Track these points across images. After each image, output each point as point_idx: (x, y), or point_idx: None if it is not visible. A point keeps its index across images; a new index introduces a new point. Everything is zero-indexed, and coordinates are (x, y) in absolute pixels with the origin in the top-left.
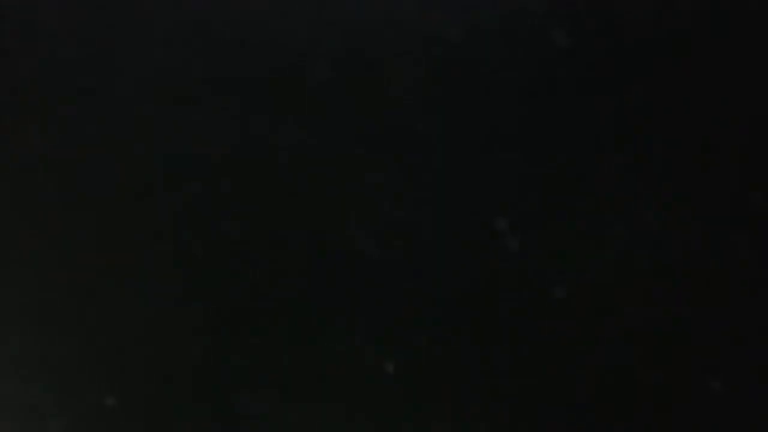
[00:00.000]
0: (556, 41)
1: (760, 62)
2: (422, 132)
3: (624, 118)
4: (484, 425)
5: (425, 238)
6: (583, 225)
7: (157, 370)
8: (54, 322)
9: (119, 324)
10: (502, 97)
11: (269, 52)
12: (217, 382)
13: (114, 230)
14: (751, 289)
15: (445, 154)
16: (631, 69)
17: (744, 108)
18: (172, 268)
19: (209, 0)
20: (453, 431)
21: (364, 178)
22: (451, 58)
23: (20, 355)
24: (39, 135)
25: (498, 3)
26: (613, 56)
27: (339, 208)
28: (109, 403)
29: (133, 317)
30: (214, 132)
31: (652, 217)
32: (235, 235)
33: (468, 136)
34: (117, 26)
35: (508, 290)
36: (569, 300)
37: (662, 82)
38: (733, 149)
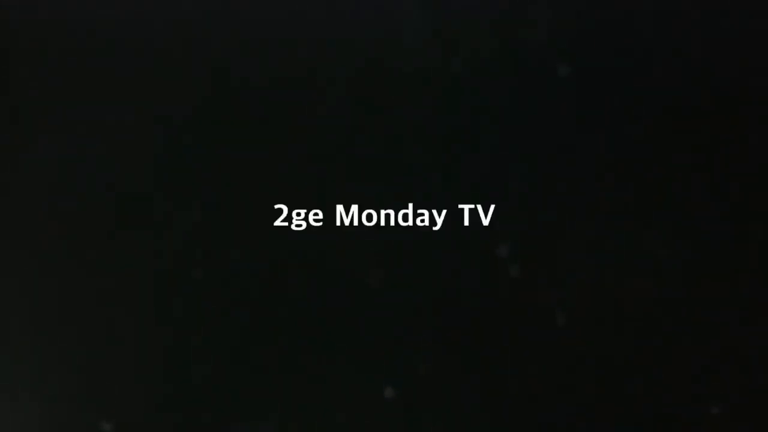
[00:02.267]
0: (558, 71)
1: (760, 83)
2: (425, 160)
3: (626, 148)
4: None
5: (426, 263)
6: (584, 251)
7: (153, 396)
8: (50, 346)
9: (116, 349)
10: (504, 126)
11: (272, 86)
12: (215, 408)
13: (113, 254)
14: (752, 316)
15: (447, 182)
16: (632, 98)
17: (742, 128)
18: (172, 294)
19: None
20: None
21: (366, 204)
22: (452, 88)
23: (16, 379)
24: (39, 142)
25: (499, 33)
26: (614, 86)
27: (341, 233)
28: (105, 428)
29: (131, 342)
30: (215, 144)
31: (654, 243)
32: (235, 260)
33: (470, 164)
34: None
35: (510, 316)
36: (570, 325)
37: (663, 110)
38: (735, 177)
